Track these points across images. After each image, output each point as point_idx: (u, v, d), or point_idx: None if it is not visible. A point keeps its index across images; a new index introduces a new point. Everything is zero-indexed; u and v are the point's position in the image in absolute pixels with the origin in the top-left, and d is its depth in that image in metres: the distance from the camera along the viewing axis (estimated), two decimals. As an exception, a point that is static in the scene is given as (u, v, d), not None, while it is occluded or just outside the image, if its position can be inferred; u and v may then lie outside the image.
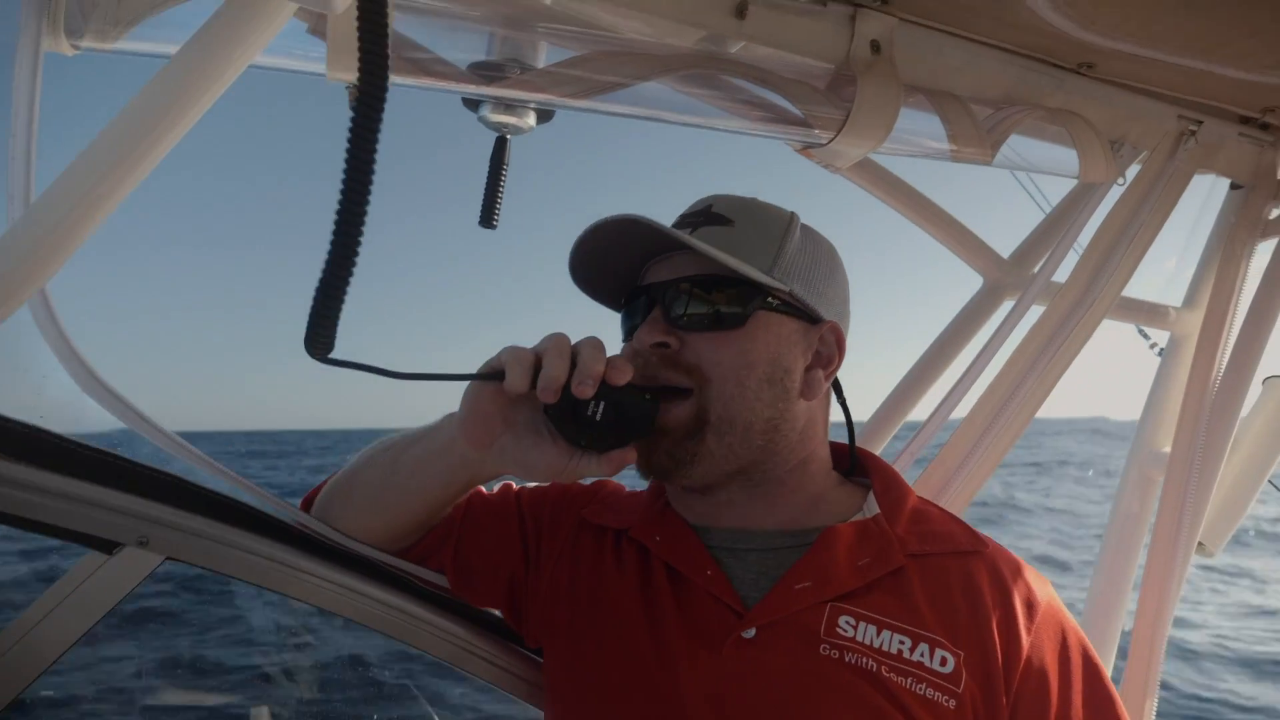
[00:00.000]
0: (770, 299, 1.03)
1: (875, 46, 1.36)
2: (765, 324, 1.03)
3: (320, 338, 0.76)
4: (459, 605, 1.24)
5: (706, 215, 1.08)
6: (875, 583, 0.99)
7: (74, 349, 1.09)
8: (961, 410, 1.58)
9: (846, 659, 0.93)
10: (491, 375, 0.95)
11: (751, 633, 0.97)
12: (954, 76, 1.47)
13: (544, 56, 1.27)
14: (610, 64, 1.26)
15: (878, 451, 1.63)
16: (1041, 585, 1.04)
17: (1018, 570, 1.03)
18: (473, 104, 1.34)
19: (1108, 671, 1.83)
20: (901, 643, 0.94)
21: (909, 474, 1.56)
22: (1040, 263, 1.68)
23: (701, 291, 1.03)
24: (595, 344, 0.93)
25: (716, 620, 0.99)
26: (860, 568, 0.99)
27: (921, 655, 0.93)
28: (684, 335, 1.03)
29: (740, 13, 1.26)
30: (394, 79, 1.20)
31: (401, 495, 1.12)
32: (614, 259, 1.10)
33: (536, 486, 1.26)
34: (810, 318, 1.07)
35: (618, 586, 1.08)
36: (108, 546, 1.14)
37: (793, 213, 1.11)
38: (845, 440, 1.21)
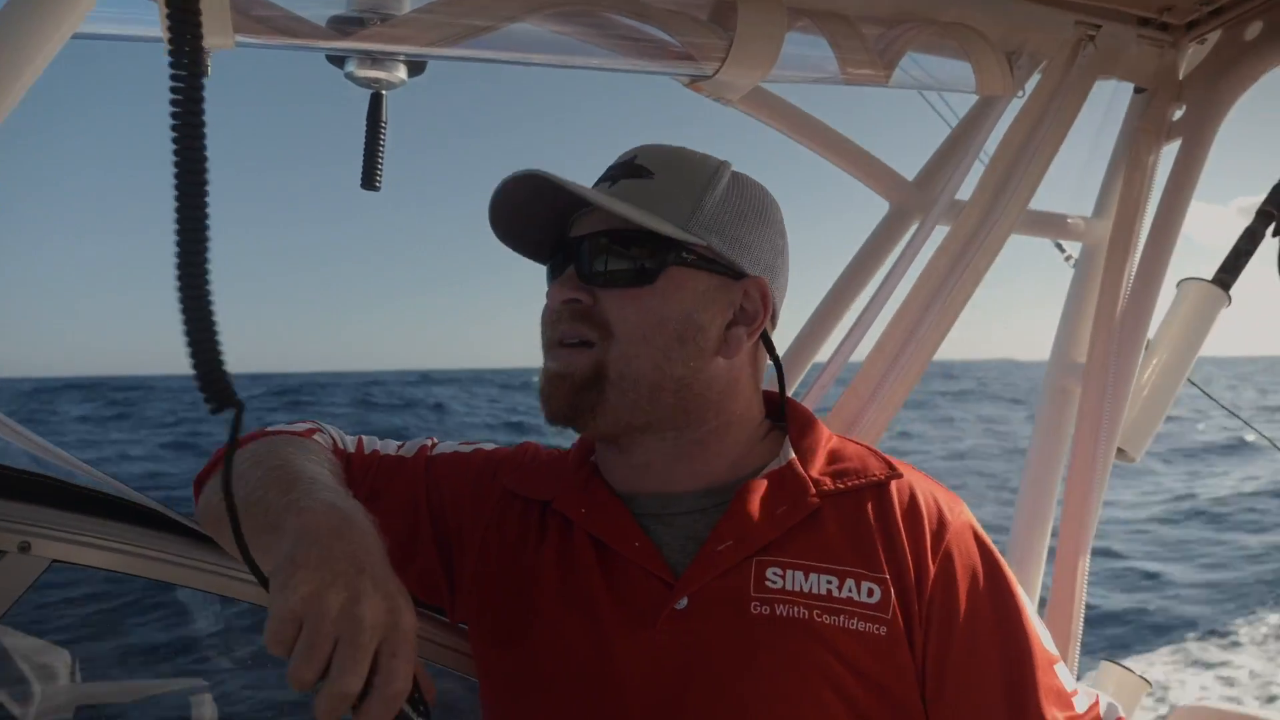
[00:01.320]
0: (685, 254, 1.00)
1: (754, -31, 1.31)
2: (679, 280, 1.00)
3: (218, 390, 0.65)
4: None
5: (628, 168, 1.05)
6: (795, 528, 0.99)
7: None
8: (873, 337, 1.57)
9: (778, 612, 0.94)
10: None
11: (684, 603, 0.96)
12: (840, -4, 1.43)
13: (407, 3, 1.21)
14: (476, 5, 1.20)
15: (796, 384, 1.62)
16: (953, 504, 1.05)
17: (929, 492, 1.04)
18: (338, 61, 1.28)
19: (1037, 581, 1.88)
20: (829, 582, 0.95)
21: (823, 406, 1.56)
22: (944, 182, 1.66)
23: (615, 247, 1.00)
24: (338, 691, 0.72)
25: (648, 594, 0.99)
26: (778, 516, 0.99)
27: (850, 591, 0.95)
28: (597, 291, 1.01)
29: (607, -57, 1.21)
30: (241, 39, 1.14)
31: None
32: (536, 212, 1.07)
33: (453, 453, 1.22)
34: (732, 273, 1.03)
35: (545, 565, 1.05)
36: (-16, 554, 1.10)
37: (723, 162, 1.07)
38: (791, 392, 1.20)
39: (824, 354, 1.64)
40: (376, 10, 1.19)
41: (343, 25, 1.19)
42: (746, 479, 1.04)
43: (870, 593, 0.95)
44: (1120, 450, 1.81)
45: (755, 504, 1.00)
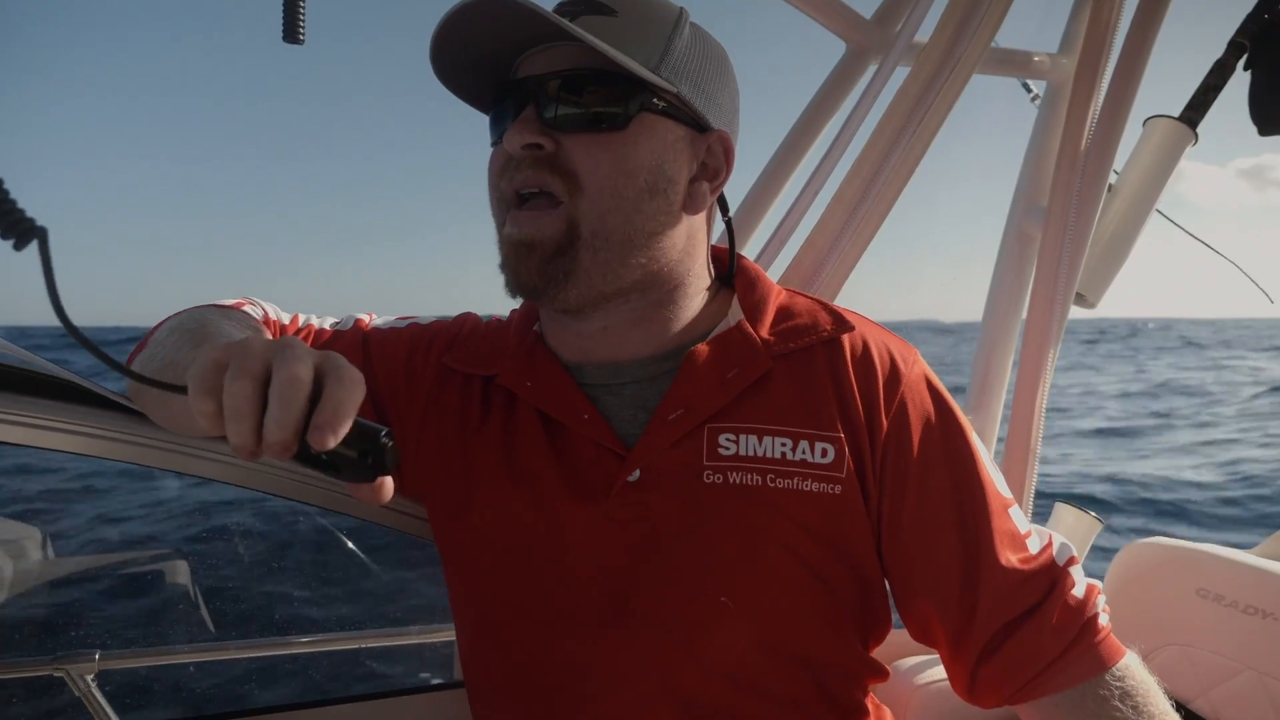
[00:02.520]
0: (656, 100, 0.93)
1: None
2: (650, 127, 0.93)
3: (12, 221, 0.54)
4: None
5: (588, 3, 0.94)
6: (746, 392, 0.97)
7: None
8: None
9: (731, 479, 0.94)
10: (175, 387, 0.67)
11: (636, 475, 0.95)
12: None
13: None
14: None
15: (747, 240, 1.58)
16: (906, 354, 1.03)
17: (882, 344, 1.02)
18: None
19: (995, 425, 1.90)
20: (783, 445, 0.94)
21: (780, 259, 1.53)
22: (903, 19, 1.59)
23: (581, 87, 0.91)
24: (288, 380, 0.61)
25: (599, 467, 0.97)
26: (728, 380, 0.97)
27: (804, 452, 0.94)
28: (559, 137, 0.91)
29: None
30: None
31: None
32: (483, 49, 0.95)
33: (389, 328, 1.15)
34: (698, 124, 0.97)
35: (490, 442, 1.02)
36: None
37: (682, 7, 0.99)
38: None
39: (777, 209, 1.60)
40: None
41: None
42: (694, 343, 1.01)
43: (824, 453, 0.94)
44: (1080, 295, 1.80)
45: (704, 369, 0.98)
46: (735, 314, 1.04)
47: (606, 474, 0.96)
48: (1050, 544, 1.00)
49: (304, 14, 1.35)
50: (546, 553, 0.97)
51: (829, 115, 1.60)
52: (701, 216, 1.02)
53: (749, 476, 0.93)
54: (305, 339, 1.11)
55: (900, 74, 1.59)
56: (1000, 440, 1.87)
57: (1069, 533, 1.91)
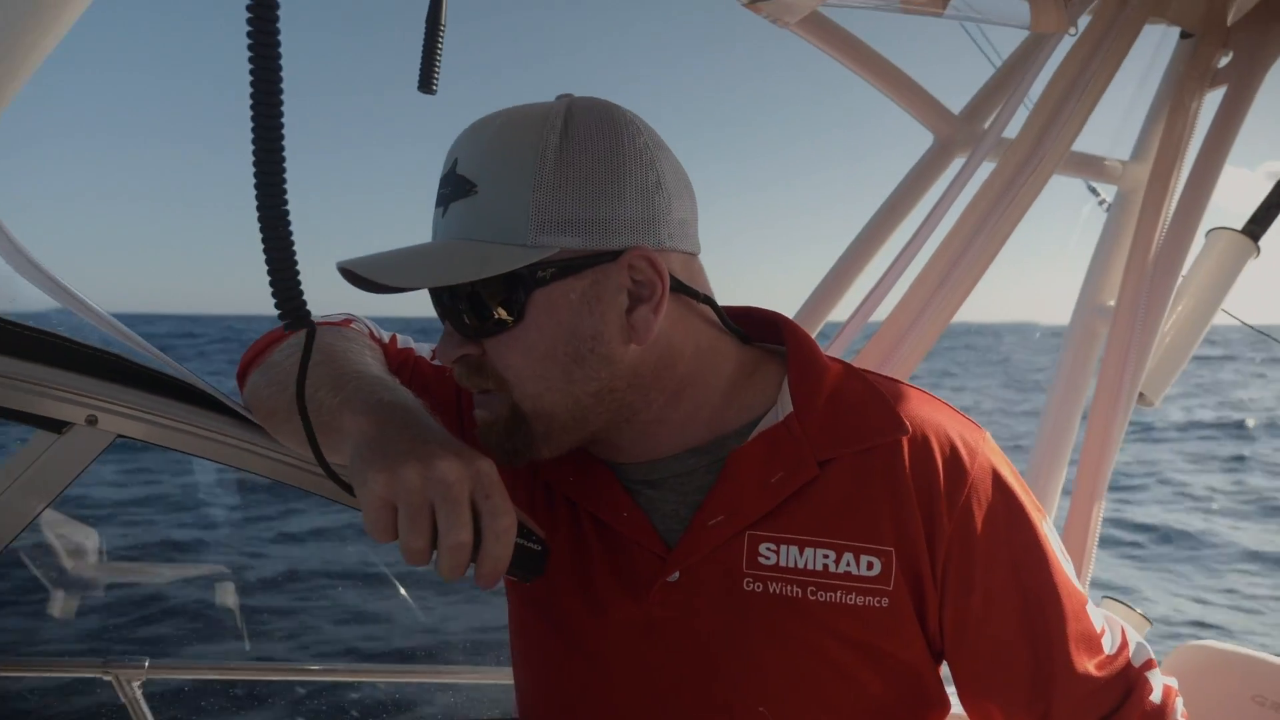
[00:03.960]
0: (540, 273, 0.85)
1: (821, -111, 1.31)
2: (546, 302, 0.87)
3: (291, 306, 0.72)
4: None
5: (453, 182, 0.90)
6: (791, 497, 0.92)
7: (6, 232, 1.06)
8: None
9: (771, 589, 0.91)
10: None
11: (675, 576, 0.93)
12: (903, -79, 1.43)
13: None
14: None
15: (826, 316, 1.65)
16: (972, 444, 0.96)
17: (945, 437, 0.95)
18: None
19: (1049, 515, 1.92)
20: (825, 557, 0.91)
21: (858, 339, 1.59)
22: (991, 117, 1.67)
23: (470, 299, 0.89)
24: (454, 546, 0.77)
25: (641, 563, 0.96)
26: (772, 486, 0.92)
27: (847, 565, 0.90)
28: (481, 341, 0.91)
29: None
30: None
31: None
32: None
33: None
34: (603, 257, 0.87)
35: (552, 523, 1.03)
36: (56, 426, 1.13)
37: (548, 117, 0.88)
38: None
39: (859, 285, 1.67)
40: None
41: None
42: (739, 434, 0.97)
43: (870, 565, 0.90)
44: (1140, 394, 1.85)
45: (748, 472, 0.93)
46: (785, 403, 0.97)
47: (648, 571, 0.95)
48: (1125, 644, 0.96)
49: (439, 69, 1.45)
50: (590, 643, 0.98)
51: (914, 201, 1.68)
52: (665, 327, 0.91)
53: (789, 588, 0.91)
54: (406, 361, 1.15)
55: (985, 167, 1.67)
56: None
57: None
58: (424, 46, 1.39)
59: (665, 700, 0.94)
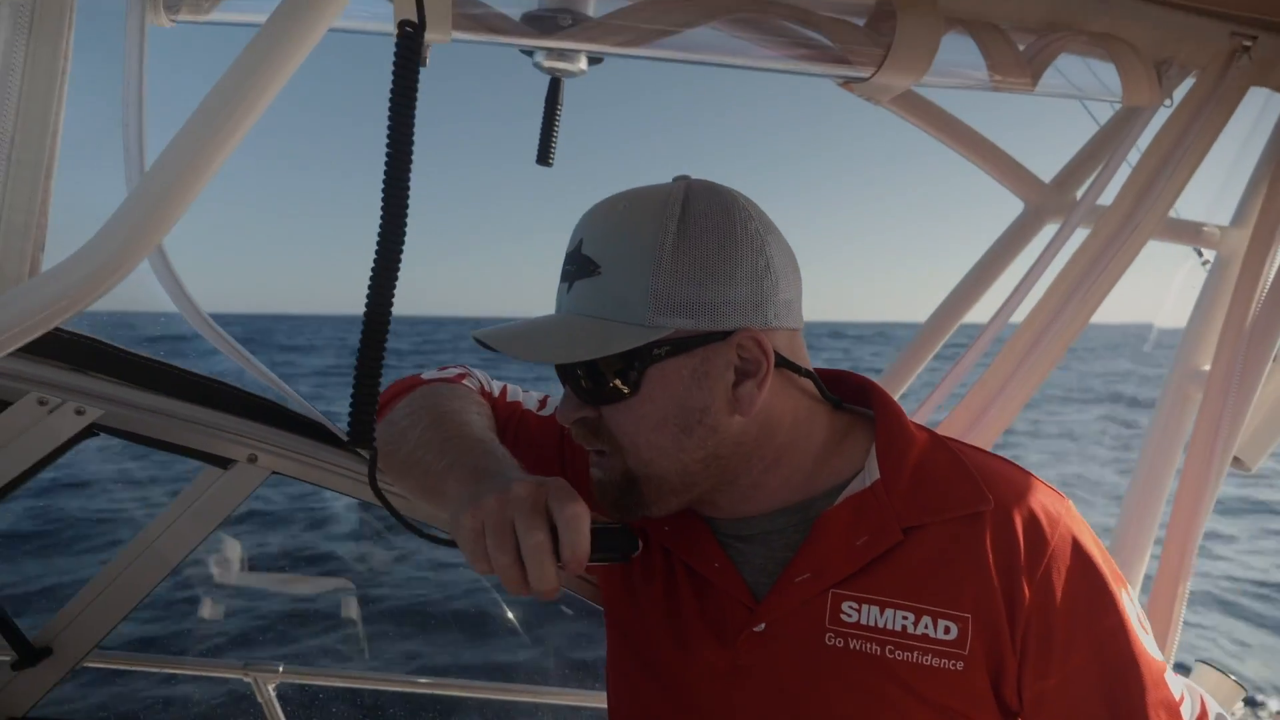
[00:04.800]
0: (656, 350, 0.94)
1: (914, -19, 1.39)
2: (660, 379, 0.96)
3: (363, 431, 0.88)
4: None
5: (578, 261, 0.99)
6: (875, 560, 0.99)
7: (189, 296, 1.24)
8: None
9: (851, 646, 0.97)
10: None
11: (762, 627, 1.01)
12: (994, 5, 1.50)
13: (594, 6, 1.34)
14: (659, 12, 1.33)
15: (912, 377, 1.71)
16: (1054, 515, 1.00)
17: (1027, 509, 1.00)
18: (527, 51, 1.43)
19: (1137, 584, 1.92)
20: (905, 619, 0.96)
21: (945, 405, 1.65)
22: (1084, 186, 1.71)
23: (591, 372, 0.98)
24: (533, 546, 0.87)
25: (730, 612, 1.04)
26: (858, 548, 0.99)
27: (925, 628, 0.96)
28: (599, 407, 1.01)
29: (781, -46, 1.31)
30: (456, 35, 1.30)
31: None
32: None
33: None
34: (714, 337, 0.96)
35: (645, 571, 1.14)
36: (223, 463, 1.31)
37: (667, 202, 0.96)
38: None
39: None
40: (569, 9, 1.32)
41: (537, 23, 1.33)
42: (827, 496, 1.04)
43: (947, 630, 0.95)
44: (1236, 459, 1.84)
45: (835, 534, 1.01)
46: (872, 470, 1.04)
47: (736, 620, 1.03)
48: (1205, 714, 1.00)
49: (555, 146, 1.60)
50: (678, 681, 1.08)
51: (1001, 269, 1.73)
52: (766, 399, 0.99)
53: (868, 645, 0.97)
54: (512, 416, 1.27)
55: (1077, 236, 1.71)
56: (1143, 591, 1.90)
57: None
58: (543, 125, 1.55)
59: None
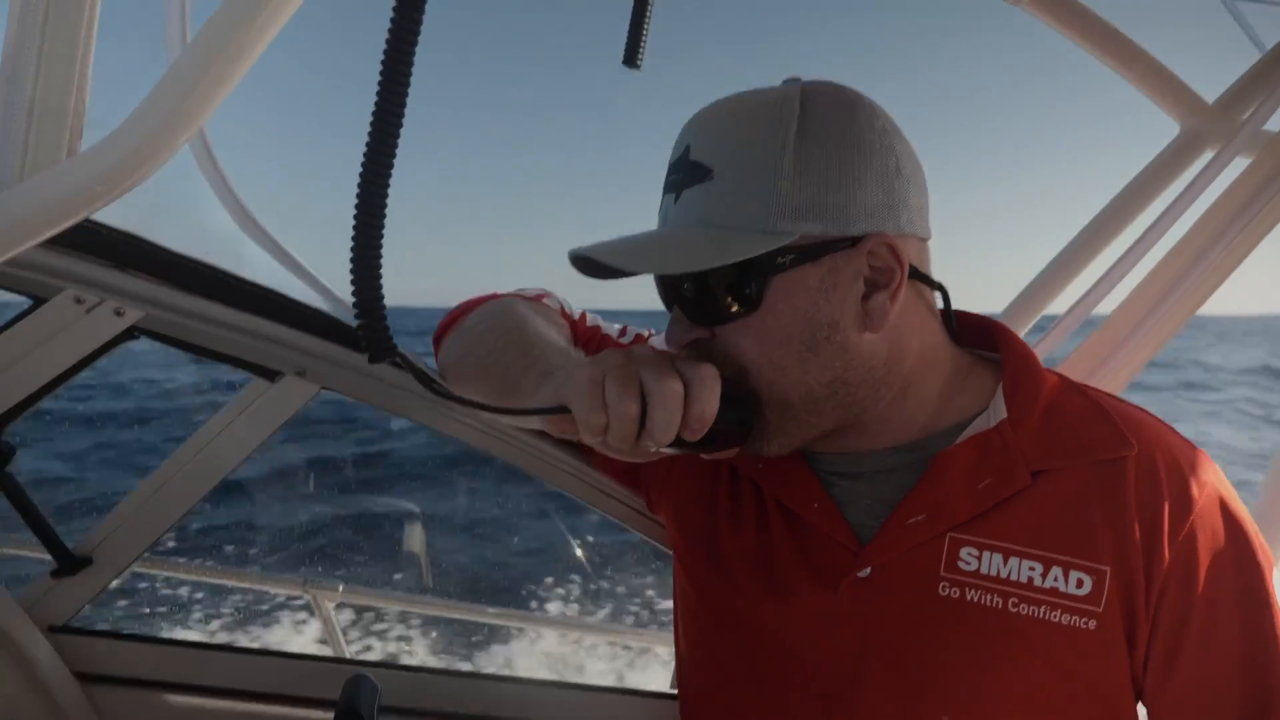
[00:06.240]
0: (780, 259, 0.85)
1: None
2: (784, 291, 0.86)
3: (377, 338, 0.73)
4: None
5: (686, 168, 0.89)
6: (999, 505, 0.89)
7: (231, 188, 1.14)
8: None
9: (969, 597, 0.87)
10: (557, 409, 0.83)
11: (867, 572, 0.91)
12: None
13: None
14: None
15: (1041, 311, 1.52)
16: (1201, 472, 0.89)
17: (1172, 460, 0.89)
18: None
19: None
20: (1032, 569, 0.86)
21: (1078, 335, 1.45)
22: (1250, 109, 1.48)
23: (706, 284, 0.89)
24: (668, 393, 0.78)
25: (831, 556, 0.94)
26: (980, 491, 0.89)
27: (1055, 580, 0.86)
28: (712, 328, 0.91)
29: None
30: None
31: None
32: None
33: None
34: (843, 243, 0.86)
35: (733, 512, 1.04)
36: (271, 375, 1.22)
37: (786, 101, 0.86)
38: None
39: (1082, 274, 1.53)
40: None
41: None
42: (946, 435, 0.94)
43: (1080, 584, 0.85)
44: None
45: (955, 475, 0.91)
46: (998, 410, 0.94)
47: (837, 565, 0.93)
48: None
49: (644, 46, 1.44)
50: (769, 635, 0.96)
51: (1151, 197, 1.51)
52: (897, 315, 0.90)
53: (988, 597, 0.87)
54: (593, 339, 1.18)
55: (1236, 164, 1.48)
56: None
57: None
58: (631, 22, 1.39)
59: (843, 697, 0.92)
